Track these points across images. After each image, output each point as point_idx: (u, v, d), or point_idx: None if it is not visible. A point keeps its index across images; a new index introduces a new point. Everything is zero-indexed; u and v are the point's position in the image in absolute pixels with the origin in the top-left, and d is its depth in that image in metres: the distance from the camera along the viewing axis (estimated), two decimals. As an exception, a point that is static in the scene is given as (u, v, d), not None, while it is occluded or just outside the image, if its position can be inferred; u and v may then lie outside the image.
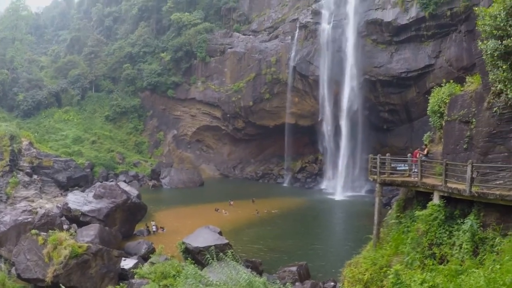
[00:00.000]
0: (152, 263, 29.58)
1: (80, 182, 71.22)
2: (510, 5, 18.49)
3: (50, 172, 68.51)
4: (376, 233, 26.67)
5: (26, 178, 62.50)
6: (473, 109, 22.59)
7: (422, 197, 24.91)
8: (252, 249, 39.99)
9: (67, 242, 29.97)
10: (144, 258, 35.57)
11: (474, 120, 22.33)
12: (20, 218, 36.79)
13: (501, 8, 18.83)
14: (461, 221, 20.17)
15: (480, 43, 20.41)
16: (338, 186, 73.87)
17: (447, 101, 26.00)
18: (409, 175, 27.46)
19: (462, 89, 25.74)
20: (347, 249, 37.09)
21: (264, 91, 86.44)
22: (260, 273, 30.36)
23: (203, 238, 33.92)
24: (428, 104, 28.34)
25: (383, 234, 26.53)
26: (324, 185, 79.86)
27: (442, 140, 26.43)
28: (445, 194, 21.84)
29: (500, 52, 19.02)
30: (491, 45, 19.26)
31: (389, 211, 30.49)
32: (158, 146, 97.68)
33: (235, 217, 53.41)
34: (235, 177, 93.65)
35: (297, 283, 30.56)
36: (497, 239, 17.75)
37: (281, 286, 16.76)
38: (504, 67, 19.04)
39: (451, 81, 27.35)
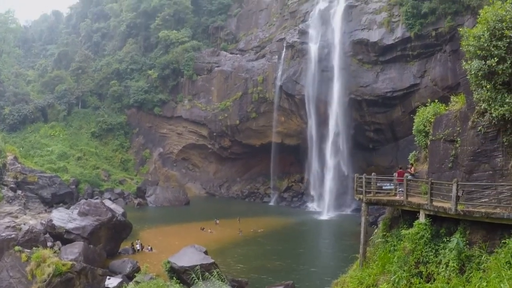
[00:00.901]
0: (137, 282, 29.12)
1: (65, 198, 70.41)
2: (494, 26, 18.83)
3: (35, 188, 67.66)
4: (362, 252, 26.60)
5: (10, 194, 61.51)
6: (458, 128, 22.81)
7: (408, 216, 24.95)
8: (238, 269, 39.61)
9: (51, 260, 29.49)
10: (129, 277, 35.00)
11: (459, 139, 22.53)
12: (3, 234, 36.00)
13: (485, 28, 19.16)
14: (447, 239, 20.21)
15: (464, 63, 20.71)
16: (324, 205, 73.82)
17: (432, 121, 26.24)
18: (395, 194, 27.55)
19: (446, 108, 26.02)
20: (334, 268, 36.89)
21: (251, 110, 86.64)
22: (246, 293, 30.03)
23: (188, 257, 33.56)
24: (413, 123, 28.60)
25: (370, 253, 26.47)
26: (310, 204, 79.77)
27: (427, 159, 26.61)
28: (431, 213, 21.90)
29: (484, 72, 19.30)
30: (475, 65, 19.53)
31: (376, 230, 30.46)
32: (144, 163, 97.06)
33: (221, 236, 52.98)
34: (221, 196, 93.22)
35: (283, 303, 30.28)
36: (483, 257, 17.78)
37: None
38: (488, 86, 19.30)
39: (436, 100, 27.65)
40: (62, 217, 43.45)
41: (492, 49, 18.94)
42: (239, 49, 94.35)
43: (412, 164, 29.39)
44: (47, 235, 42.73)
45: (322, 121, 76.11)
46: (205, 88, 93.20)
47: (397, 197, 26.64)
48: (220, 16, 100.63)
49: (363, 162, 77.10)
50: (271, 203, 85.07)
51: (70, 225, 41.92)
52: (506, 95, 18.87)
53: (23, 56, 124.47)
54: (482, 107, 20.10)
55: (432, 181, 22.58)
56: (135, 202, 78.97)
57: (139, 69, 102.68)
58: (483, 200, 19.58)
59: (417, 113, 28.29)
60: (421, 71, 64.78)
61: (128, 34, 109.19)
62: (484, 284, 15.21)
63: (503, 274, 15.79)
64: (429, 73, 63.81)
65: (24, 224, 42.52)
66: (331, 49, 74.28)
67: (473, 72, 19.75)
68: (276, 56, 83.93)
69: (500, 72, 18.86)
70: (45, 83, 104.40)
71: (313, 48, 77.16)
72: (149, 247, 46.51)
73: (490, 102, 19.39)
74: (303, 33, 79.17)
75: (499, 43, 18.74)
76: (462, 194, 20.22)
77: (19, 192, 64.18)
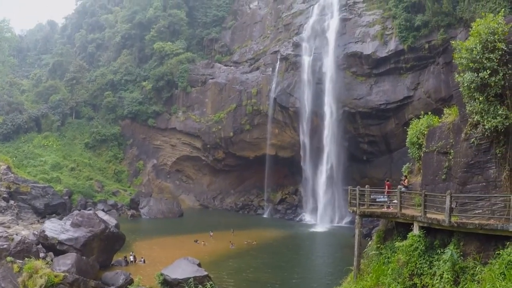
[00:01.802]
0: (130, 295, 28.92)
1: (57, 209, 69.96)
2: (486, 38, 19.03)
3: (28, 198, 67.30)
4: (356, 265, 26.55)
5: (3, 203, 61.15)
6: (451, 140, 22.94)
7: (402, 228, 24.97)
8: (232, 281, 39.34)
9: (43, 271, 29.23)
10: (122, 289, 34.70)
11: (452, 151, 22.65)
12: (-5, 244, 35.74)
13: (477, 41, 19.36)
14: (441, 251, 20.22)
15: (457, 75, 20.88)
16: (318, 217, 73.76)
17: (425, 133, 26.39)
18: (389, 207, 27.58)
19: (440, 120, 26.18)
20: (328, 280, 36.75)
21: (245, 122, 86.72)
22: (239, 305, 29.83)
23: (182, 269, 33.35)
24: (407, 136, 28.74)
25: (364, 266, 26.42)
26: (304, 216, 79.59)
27: (421, 171, 26.71)
28: (425, 225, 21.93)
29: (477, 84, 19.47)
30: (468, 78, 19.71)
31: (370, 242, 30.44)
32: (138, 175, 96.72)
33: (214, 249, 52.69)
34: (215, 208, 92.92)
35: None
36: (477, 268, 17.80)
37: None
38: (480, 98, 19.46)
39: (429, 112, 27.82)
40: (54, 228, 43.12)
41: (485, 62, 19.12)
42: (233, 61, 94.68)
43: (405, 176, 29.48)
44: (40, 246, 42.35)
45: (316, 134, 76.25)
46: (199, 100, 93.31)
47: (390, 210, 26.68)
48: (214, 28, 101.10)
49: (357, 174, 77.22)
50: (265, 215, 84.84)
51: (62, 236, 41.57)
52: (498, 107, 19.03)
53: (18, 65, 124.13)
54: (475, 119, 20.25)
55: (426, 193, 22.65)
56: (129, 213, 78.57)
57: (134, 80, 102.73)
58: (476, 212, 19.64)
59: (410, 126, 28.45)
60: (415, 84, 65.22)
61: (122, 45, 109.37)
62: (479, 295, 15.19)
63: (498, 285, 15.81)
64: (423, 85, 64.24)
65: (17, 235, 42.05)
66: (325, 62, 74.69)
67: (465, 85, 19.92)
68: (270, 69, 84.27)
69: (492, 84, 19.04)
70: (40, 93, 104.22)
71: (307, 61, 77.59)
72: (142, 259, 46.17)
73: (483, 114, 19.54)
74: (297, 45, 79.63)
75: (492, 55, 18.93)
76: (455, 206, 20.28)
77: (11, 202, 63.79)
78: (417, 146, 27.65)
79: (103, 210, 67.00)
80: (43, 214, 66.88)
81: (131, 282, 35.81)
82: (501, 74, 18.90)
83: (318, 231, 67.71)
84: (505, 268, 16.53)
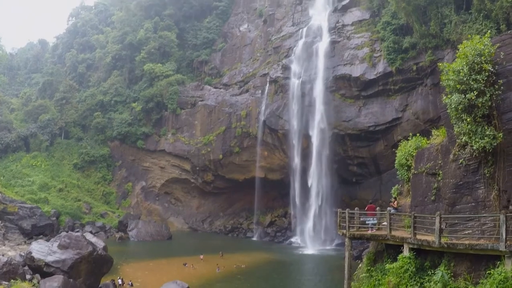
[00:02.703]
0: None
1: (45, 230, 69.18)
2: (472, 60, 19.26)
3: (15, 219, 66.58)
4: (347, 287, 26.32)
5: (-10, 224, 60.40)
6: (440, 162, 23.02)
7: (392, 250, 24.85)
8: (220, 305, 38.79)
9: (29, 293, 28.59)
10: (108, 313, 34.01)
11: (440, 172, 22.72)
12: (-19, 265, 35.01)
13: (464, 63, 19.59)
14: (432, 272, 20.11)
15: (444, 97, 21.05)
16: (308, 240, 73.26)
17: (414, 154, 26.52)
18: (378, 229, 27.49)
19: (428, 142, 26.32)
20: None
21: (234, 145, 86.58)
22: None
23: (170, 293, 32.81)
24: (396, 157, 28.81)
25: (354, 288, 26.18)
26: (294, 239, 79.03)
27: (410, 192, 26.74)
28: (415, 246, 21.84)
29: (464, 105, 19.64)
30: (455, 99, 19.88)
31: (360, 265, 30.24)
32: (126, 197, 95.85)
33: (203, 272, 52.03)
34: (204, 230, 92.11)
35: None
36: (468, 289, 17.67)
37: None
38: (468, 120, 19.60)
39: (418, 134, 27.98)
40: (41, 249, 42.43)
41: (472, 83, 19.33)
42: (223, 84, 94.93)
43: (395, 198, 29.49)
44: (26, 268, 41.70)
45: (305, 156, 76.24)
46: (188, 122, 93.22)
47: (380, 232, 26.57)
48: (204, 51, 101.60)
49: (346, 196, 77.13)
50: (254, 238, 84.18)
51: (50, 258, 40.90)
52: (486, 128, 19.17)
53: (8, 83, 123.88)
54: (463, 140, 20.38)
55: (415, 214, 22.63)
56: (117, 236, 77.60)
57: (123, 102, 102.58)
58: (466, 232, 19.63)
59: (399, 147, 28.57)
60: (403, 105, 65.63)
61: (113, 66, 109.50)
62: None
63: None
64: (411, 107, 64.66)
65: (3, 256, 41.40)
66: (314, 84, 75.10)
67: (453, 106, 20.09)
68: (260, 91, 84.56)
69: (479, 105, 19.22)
70: (29, 112, 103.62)
71: (296, 83, 77.99)
72: (130, 282, 45.41)
73: (471, 135, 19.67)
74: (287, 68, 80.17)
75: (478, 76, 19.14)
76: (445, 227, 20.28)
77: (-2, 222, 63.13)
78: (406, 168, 27.75)
79: (91, 232, 66.27)
80: (30, 235, 66.10)
81: (118, 306, 35.15)
82: (488, 95, 19.10)
83: (308, 254, 67.22)
84: (496, 288, 16.43)
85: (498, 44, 19.87)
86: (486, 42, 19.63)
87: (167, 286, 34.45)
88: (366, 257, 28.17)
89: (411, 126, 62.87)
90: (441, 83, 22.10)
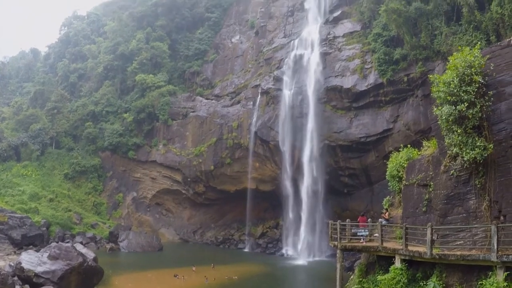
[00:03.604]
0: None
1: (35, 241, 68.39)
2: (463, 72, 19.41)
3: (4, 228, 65.88)
4: (338, 298, 26.20)
5: (-21, 233, 59.74)
6: (431, 173, 23.11)
7: (384, 261, 24.83)
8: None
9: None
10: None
11: (432, 183, 22.80)
12: (-30, 275, 34.57)
13: (454, 75, 19.74)
14: (424, 283, 20.09)
15: (435, 109, 21.18)
16: (299, 251, 73.02)
17: (405, 166, 26.60)
18: (370, 240, 27.49)
19: (419, 153, 26.42)
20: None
21: (225, 156, 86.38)
22: None
23: (160, 304, 32.51)
24: (387, 169, 28.87)
25: (346, 299, 26.09)
26: (285, 250, 78.76)
27: (402, 204, 26.78)
28: (407, 257, 21.83)
29: (455, 117, 19.77)
30: (446, 111, 20.02)
31: (352, 276, 30.17)
32: (117, 208, 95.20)
33: (194, 283, 51.61)
34: (195, 242, 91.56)
35: None
36: (460, 301, 17.64)
37: None
38: (459, 131, 19.72)
39: (409, 145, 28.09)
40: (31, 260, 42.15)
41: (462, 95, 19.48)
42: (214, 95, 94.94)
43: (386, 209, 29.52)
44: (16, 278, 41.28)
45: (297, 167, 76.23)
46: (180, 133, 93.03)
47: (372, 243, 26.55)
48: (196, 62, 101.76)
49: (338, 207, 77.08)
50: (246, 250, 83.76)
51: (39, 269, 40.63)
52: (476, 139, 19.29)
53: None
54: (453, 151, 20.48)
55: (407, 225, 22.67)
56: (107, 247, 76.83)
57: (115, 112, 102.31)
58: (458, 243, 19.64)
59: (390, 159, 28.66)
60: (394, 116, 65.95)
61: (105, 76, 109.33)
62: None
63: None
64: (402, 118, 64.97)
65: (-8, 266, 40.97)
66: (305, 96, 75.32)
67: (444, 118, 20.21)
68: (251, 102, 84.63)
69: (470, 116, 19.35)
70: (20, 121, 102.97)
71: (287, 95, 78.15)
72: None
73: (462, 146, 19.78)
74: (278, 79, 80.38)
75: (469, 88, 19.30)
76: (437, 238, 20.29)
77: (-12, 231, 62.50)
78: (397, 179, 27.82)
79: (81, 242, 65.88)
80: (20, 245, 65.35)
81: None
82: (478, 106, 19.25)
83: (300, 265, 66.96)
84: (487, 300, 16.42)
85: (488, 56, 20.06)
86: (476, 54, 19.82)
87: (157, 298, 34.14)
88: (358, 269, 28.13)
89: (402, 137, 63.15)
90: (431, 94, 22.23)
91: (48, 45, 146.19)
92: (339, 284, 26.40)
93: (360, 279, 26.23)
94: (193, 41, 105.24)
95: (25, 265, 41.07)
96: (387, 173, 28.42)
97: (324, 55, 74.59)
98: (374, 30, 68.71)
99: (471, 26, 51.26)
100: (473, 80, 19.31)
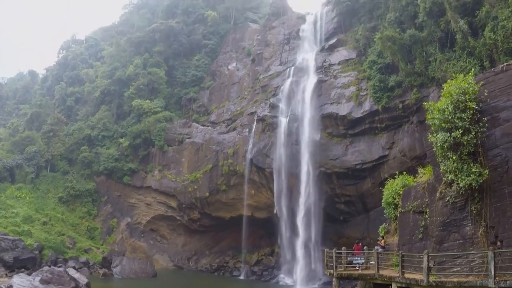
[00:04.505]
0: None
1: (27, 264, 67.87)
2: (457, 98, 19.59)
3: (-4, 251, 65.30)
4: (334, 327, 25.82)
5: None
6: (426, 200, 23.10)
7: (380, 288, 24.57)
8: None
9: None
10: None
11: (427, 210, 22.76)
12: (-40, 297, 34.04)
13: (449, 102, 19.92)
14: (420, 311, 19.84)
15: (430, 136, 21.28)
16: (295, 278, 72.22)
17: (401, 193, 26.58)
18: (366, 268, 27.28)
19: (414, 180, 26.44)
20: None
21: (221, 183, 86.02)
22: None
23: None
24: (383, 195, 28.83)
25: (342, 328, 25.72)
26: (281, 278, 77.88)
27: (398, 231, 26.67)
28: (403, 285, 21.64)
29: (450, 143, 19.86)
30: (441, 138, 20.12)
31: (348, 304, 29.83)
32: (111, 233, 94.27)
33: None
34: (189, 269, 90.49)
35: None
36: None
37: None
38: (454, 157, 19.79)
39: (404, 171, 28.12)
40: (23, 283, 41.66)
41: (457, 121, 19.61)
42: (210, 122, 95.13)
43: (382, 237, 29.39)
44: (7, 301, 40.71)
45: (293, 195, 75.89)
46: (175, 159, 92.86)
47: (368, 271, 26.33)
48: (193, 88, 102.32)
49: (334, 234, 76.54)
50: (241, 277, 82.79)
51: (31, 293, 40.08)
52: (472, 165, 19.35)
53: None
54: (449, 178, 20.52)
55: (403, 253, 22.53)
56: (100, 272, 75.76)
57: (111, 137, 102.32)
58: (455, 270, 19.50)
59: (386, 186, 28.66)
60: (390, 143, 66.04)
61: (101, 101, 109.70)
62: None
63: None
64: (397, 144, 65.05)
65: (-16, 288, 40.36)
66: (301, 123, 75.51)
67: (439, 144, 20.31)
68: (247, 130, 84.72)
69: (465, 143, 19.44)
70: (16, 142, 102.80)
71: (283, 122, 78.33)
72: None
73: (457, 173, 19.83)
74: (274, 107, 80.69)
75: (463, 115, 19.45)
76: (433, 265, 20.15)
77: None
78: (393, 206, 27.78)
79: (74, 267, 65.22)
80: (12, 268, 64.85)
81: None
82: (473, 133, 19.36)
83: (295, 293, 66.22)
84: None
85: (482, 82, 20.27)
86: (470, 81, 20.03)
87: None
88: (354, 297, 27.82)
89: (397, 164, 63.14)
90: (426, 121, 22.37)
91: (46, 67, 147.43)
92: (335, 312, 26.03)
93: (357, 307, 25.89)
94: (190, 68, 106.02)
95: (16, 289, 40.56)
96: (383, 200, 28.40)
97: (319, 83, 75.10)
98: (369, 58, 69.40)
99: (465, 52, 51.86)
100: (468, 106, 19.47)
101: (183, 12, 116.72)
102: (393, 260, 24.91)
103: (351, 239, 67.68)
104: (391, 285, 22.79)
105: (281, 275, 78.37)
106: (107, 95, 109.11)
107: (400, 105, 63.74)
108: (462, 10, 52.82)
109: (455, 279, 18.69)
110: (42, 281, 41.61)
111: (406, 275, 21.40)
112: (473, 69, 22.64)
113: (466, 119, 19.32)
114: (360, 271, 26.68)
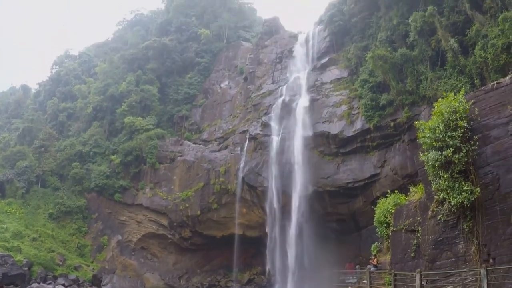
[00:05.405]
0: None
1: (16, 280, 66.98)
2: (448, 117, 19.76)
3: (-15, 266, 64.33)
4: None
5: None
6: (418, 218, 23.12)
7: (372, 307, 24.39)
8: None
9: None
10: None
11: (419, 228, 22.77)
12: None
13: (439, 120, 20.07)
14: (413, 331, 19.70)
15: (421, 154, 21.40)
16: (286, 298, 71.68)
17: (392, 212, 26.61)
18: (359, 287, 27.18)
19: (406, 198, 26.50)
20: None
21: (212, 201, 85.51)
22: None
23: None
24: (375, 214, 28.83)
25: None
26: (272, 297, 77.32)
27: (390, 249, 26.62)
28: (395, 304, 21.51)
29: (441, 162, 19.96)
30: (432, 156, 20.23)
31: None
32: (101, 250, 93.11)
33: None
34: (180, 287, 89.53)
35: None
36: None
37: None
38: (445, 176, 19.88)
39: (396, 190, 28.16)
40: (10, 302, 40.93)
41: (448, 140, 19.74)
42: (202, 140, 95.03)
43: (375, 256, 29.32)
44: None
45: (284, 213, 75.60)
46: (167, 177, 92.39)
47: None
48: (185, 106, 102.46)
49: (326, 253, 76.13)
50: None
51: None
52: (463, 183, 19.44)
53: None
54: (440, 196, 20.58)
55: (395, 272, 22.48)
56: (90, 290, 75.08)
57: (102, 153, 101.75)
58: (447, 288, 19.45)
59: (377, 205, 28.69)
60: (381, 161, 66.23)
61: (93, 117, 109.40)
62: None
63: None
64: (389, 163, 65.24)
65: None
66: (293, 142, 75.57)
67: (430, 163, 20.41)
68: (239, 148, 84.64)
69: (456, 161, 19.54)
70: (6, 157, 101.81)
71: (275, 141, 78.38)
72: None
73: (449, 191, 19.91)
74: (266, 125, 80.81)
75: (454, 133, 19.59)
76: (426, 283, 20.09)
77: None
78: (385, 225, 27.78)
79: (63, 285, 64.60)
80: (1, 284, 63.98)
81: None
82: (464, 151, 19.48)
83: (287, 313, 65.61)
84: None
85: (472, 101, 20.48)
86: (460, 99, 20.23)
87: None
88: (346, 316, 27.60)
89: (389, 182, 63.25)
90: (418, 140, 22.50)
91: (38, 82, 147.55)
92: (327, 332, 25.82)
93: (349, 327, 25.69)
94: (183, 85, 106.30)
95: (4, 307, 39.89)
96: (375, 219, 28.41)
97: (311, 101, 75.44)
98: (361, 76, 69.93)
99: (456, 70, 52.43)
100: (458, 125, 19.63)
101: (177, 29, 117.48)
102: (386, 279, 24.83)
103: (344, 257, 67.45)
104: (383, 304, 22.65)
105: (273, 294, 77.79)
106: (99, 111, 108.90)
107: (392, 124, 64.06)
108: (453, 29, 53.60)
109: (448, 298, 18.67)
110: (31, 299, 41.14)
111: (399, 294, 21.30)
112: (463, 87, 22.88)
113: (457, 138, 19.45)
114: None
